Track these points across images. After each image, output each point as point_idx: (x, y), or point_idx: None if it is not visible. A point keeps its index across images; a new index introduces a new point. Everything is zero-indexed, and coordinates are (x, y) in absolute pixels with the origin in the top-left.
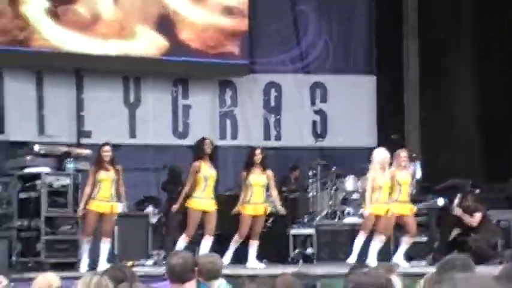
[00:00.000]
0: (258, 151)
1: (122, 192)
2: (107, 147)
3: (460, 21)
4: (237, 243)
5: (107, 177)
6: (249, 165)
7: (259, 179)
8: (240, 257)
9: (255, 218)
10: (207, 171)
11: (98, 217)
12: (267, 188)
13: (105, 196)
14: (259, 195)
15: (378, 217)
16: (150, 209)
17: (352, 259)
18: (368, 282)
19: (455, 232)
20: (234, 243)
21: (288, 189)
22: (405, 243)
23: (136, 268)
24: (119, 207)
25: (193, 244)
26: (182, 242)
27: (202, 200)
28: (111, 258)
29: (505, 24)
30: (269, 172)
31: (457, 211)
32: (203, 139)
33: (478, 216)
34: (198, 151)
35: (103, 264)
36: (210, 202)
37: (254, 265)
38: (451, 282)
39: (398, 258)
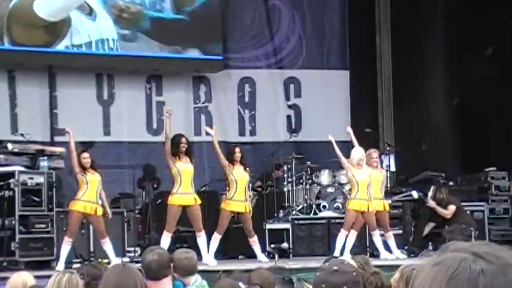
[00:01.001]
0: (237, 149)
1: (104, 197)
2: (86, 154)
3: (433, 15)
4: (217, 241)
5: (94, 179)
6: (229, 162)
7: (244, 176)
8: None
9: (240, 215)
10: (181, 166)
11: (81, 218)
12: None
13: (91, 197)
14: (242, 193)
15: (358, 213)
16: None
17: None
18: (341, 281)
19: (430, 226)
20: (214, 241)
21: (265, 185)
22: (388, 237)
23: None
24: (101, 210)
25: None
26: (165, 238)
27: (180, 195)
28: (87, 255)
29: (478, 17)
30: (247, 170)
31: (431, 204)
32: (180, 137)
33: (451, 208)
34: (173, 147)
35: (116, 261)
36: (189, 197)
37: (263, 259)
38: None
39: (397, 252)
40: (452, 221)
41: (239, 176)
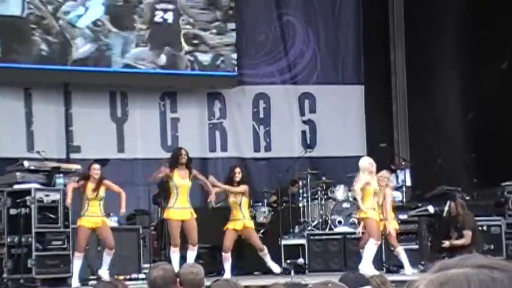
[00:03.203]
0: (237, 169)
1: (122, 195)
2: (96, 166)
3: (447, 29)
4: (228, 259)
5: (95, 199)
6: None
7: (243, 198)
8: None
9: (244, 232)
10: (178, 180)
11: (88, 233)
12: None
13: (94, 212)
14: (238, 212)
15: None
16: None
17: (368, 270)
18: None
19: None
20: (225, 260)
21: (280, 201)
22: (397, 253)
23: (128, 282)
24: (109, 222)
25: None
26: (174, 254)
27: (177, 209)
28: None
29: (492, 32)
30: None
31: (446, 245)
32: (179, 149)
33: (468, 234)
34: (172, 160)
35: (104, 273)
36: (185, 211)
37: (275, 270)
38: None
39: (409, 269)
40: (468, 247)
41: (236, 198)
